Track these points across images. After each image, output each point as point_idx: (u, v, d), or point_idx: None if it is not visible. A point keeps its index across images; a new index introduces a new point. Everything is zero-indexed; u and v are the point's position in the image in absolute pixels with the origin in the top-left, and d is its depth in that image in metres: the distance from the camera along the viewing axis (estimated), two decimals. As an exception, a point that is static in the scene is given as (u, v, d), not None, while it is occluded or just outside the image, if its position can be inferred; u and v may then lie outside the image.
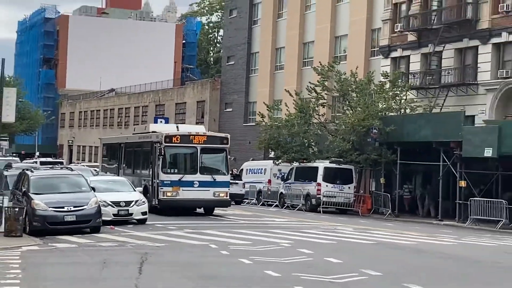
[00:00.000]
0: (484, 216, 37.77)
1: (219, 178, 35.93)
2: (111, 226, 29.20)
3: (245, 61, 78.71)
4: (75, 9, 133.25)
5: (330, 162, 47.26)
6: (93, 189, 29.26)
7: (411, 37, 52.57)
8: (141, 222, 31.04)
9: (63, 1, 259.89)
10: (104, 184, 33.15)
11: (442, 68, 49.87)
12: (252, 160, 61.00)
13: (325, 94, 51.55)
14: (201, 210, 35.89)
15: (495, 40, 46.25)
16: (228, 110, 79.78)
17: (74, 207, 26.91)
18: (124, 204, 31.00)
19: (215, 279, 15.85)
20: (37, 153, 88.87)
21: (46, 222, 26.42)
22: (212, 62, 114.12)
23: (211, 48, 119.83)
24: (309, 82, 53.88)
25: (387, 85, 48.57)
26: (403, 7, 54.44)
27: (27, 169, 32.06)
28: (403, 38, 53.56)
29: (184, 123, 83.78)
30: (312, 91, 51.62)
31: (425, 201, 45.52)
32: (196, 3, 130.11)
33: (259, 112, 60.30)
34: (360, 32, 60.20)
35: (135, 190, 33.47)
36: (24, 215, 26.01)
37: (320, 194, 45.62)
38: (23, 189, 28.52)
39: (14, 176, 31.99)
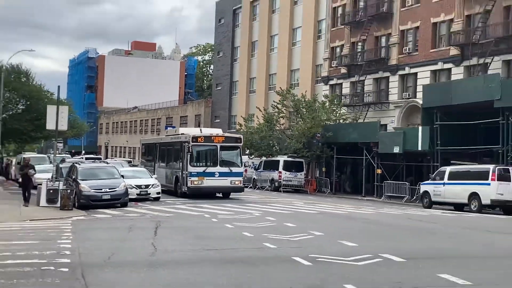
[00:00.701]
0: (394, 193, 38.00)
1: (234, 169, 33.79)
2: (135, 202, 29.17)
3: (228, 87, 78.58)
4: (109, 51, 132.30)
5: (287, 157, 47.24)
6: (122, 176, 29.20)
7: (343, 70, 52.72)
8: (156, 199, 31.02)
9: (101, 44, 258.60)
10: (130, 173, 33.40)
11: (365, 91, 49.99)
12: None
13: (284, 110, 51.58)
14: (219, 195, 34.79)
15: (400, 72, 46.52)
16: (217, 121, 79.46)
17: (109, 189, 27.12)
18: (144, 186, 31.13)
19: (208, 238, 15.85)
20: (83, 152, 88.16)
21: (89, 200, 26.59)
22: (205, 88, 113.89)
23: (205, 78, 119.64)
24: (273, 101, 53.76)
25: (327, 104, 48.74)
26: (338, 49, 54.60)
27: (76, 163, 33.06)
28: (337, 71, 53.74)
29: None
30: (275, 107, 51.62)
31: (350, 182, 46.43)
32: (194, 47, 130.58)
33: (238, 123, 60.54)
34: (308, 67, 60.22)
35: (151, 177, 33.35)
36: (74, 195, 26.04)
37: (281, 179, 45.61)
38: (73, 177, 28.59)
39: (67, 168, 32.47)
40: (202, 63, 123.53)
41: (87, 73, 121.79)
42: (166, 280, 10.19)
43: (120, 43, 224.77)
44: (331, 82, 54.59)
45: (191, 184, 32.48)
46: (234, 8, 78.57)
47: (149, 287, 9.71)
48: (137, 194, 30.29)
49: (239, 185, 34.12)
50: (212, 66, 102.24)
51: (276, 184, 46.01)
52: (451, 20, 42.43)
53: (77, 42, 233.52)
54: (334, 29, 55.49)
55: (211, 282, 9.90)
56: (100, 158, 61.00)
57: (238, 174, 34.26)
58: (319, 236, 16.23)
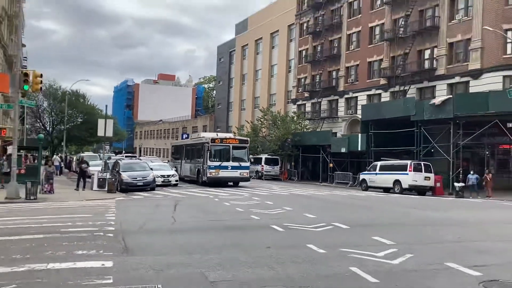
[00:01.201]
0: (341, 180, 37.97)
1: (243, 164, 31.52)
2: (161, 187, 28.93)
3: (226, 106, 78.43)
4: (142, 80, 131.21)
5: (268, 155, 47.07)
6: (151, 169, 28.82)
7: (306, 94, 52.77)
8: (175, 185, 30.57)
9: (136, 75, 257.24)
10: (157, 167, 32.26)
11: (321, 109, 50.03)
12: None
13: (265, 122, 51.59)
14: (231, 183, 32.44)
15: (346, 96, 46.60)
16: (218, 129, 79.20)
17: (142, 178, 26.77)
18: (167, 176, 30.73)
19: (211, 213, 15.79)
20: (123, 152, 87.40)
21: (128, 185, 26.15)
22: (210, 107, 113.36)
23: (209, 100, 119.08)
24: (258, 116, 53.87)
25: (295, 118, 48.72)
26: (302, 80, 54.66)
27: (119, 159, 32.02)
28: (302, 95, 53.78)
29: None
30: (259, 120, 51.60)
31: (311, 173, 46.02)
32: (202, 78, 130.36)
33: (233, 132, 60.29)
34: (282, 92, 60.34)
35: (172, 170, 32.96)
36: (117, 182, 25.82)
37: (263, 170, 45.52)
38: (117, 169, 28.03)
39: (111, 163, 31.60)
40: (207, 89, 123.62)
41: (126, 96, 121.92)
42: (182, 241, 10.18)
43: (150, 75, 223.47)
44: (298, 103, 54.65)
45: (210, 174, 30.73)
46: (230, 50, 78.79)
47: (170, 246, 9.69)
48: (162, 181, 29.85)
49: (246, 176, 31.94)
50: (214, 91, 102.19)
51: (260, 174, 45.73)
52: (381, 60, 42.67)
53: (119, 74, 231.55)
54: (300, 65, 55.60)
55: (213, 242, 9.91)
56: (135, 156, 60.56)
57: (246, 168, 31.96)
58: (289, 210, 16.21)
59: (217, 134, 35.49)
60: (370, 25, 44.67)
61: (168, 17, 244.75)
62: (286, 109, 56.46)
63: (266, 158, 46.81)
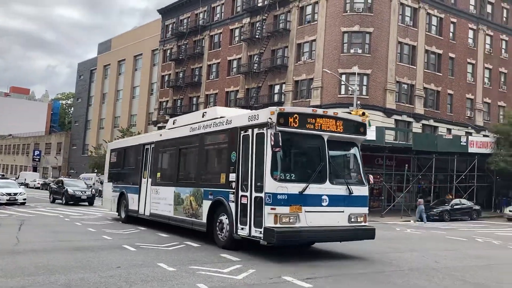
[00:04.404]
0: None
1: (356, 190, 10.25)
2: (4, 206, 25.87)
3: (84, 124, 74.38)
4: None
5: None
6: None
7: (167, 117, 52.53)
8: (23, 204, 27.38)
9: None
10: (2, 184, 28.50)
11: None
12: (85, 173, 57.26)
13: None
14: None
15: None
16: (74, 147, 74.54)
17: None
18: (13, 194, 27.31)
19: (61, 232, 14.64)
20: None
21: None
22: (67, 123, 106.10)
23: (66, 116, 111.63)
24: (117, 136, 51.96)
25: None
26: (164, 103, 54.42)
27: None
28: (164, 117, 53.34)
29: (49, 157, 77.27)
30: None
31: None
32: (60, 94, 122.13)
33: (90, 150, 57.15)
34: (143, 113, 59.23)
35: (19, 187, 29.61)
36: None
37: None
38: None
39: None
40: (65, 106, 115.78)
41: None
42: (25, 263, 9.23)
43: (2, 87, 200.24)
44: (159, 125, 54.02)
45: (276, 221, 9.36)
46: (91, 68, 75.43)
47: (10, 268, 8.73)
48: (7, 200, 26.54)
49: (365, 224, 10.49)
50: (72, 108, 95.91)
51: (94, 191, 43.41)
52: (237, 91, 44.50)
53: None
54: (162, 89, 55.30)
55: (61, 263, 9.18)
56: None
57: (362, 201, 10.49)
58: (143, 230, 15.65)
59: (279, 108, 10.42)
60: (228, 58, 46.43)
61: (30, 30, 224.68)
62: (147, 131, 55.33)
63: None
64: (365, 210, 10.49)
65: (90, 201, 29.21)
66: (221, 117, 11.87)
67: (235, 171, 10.55)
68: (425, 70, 39.19)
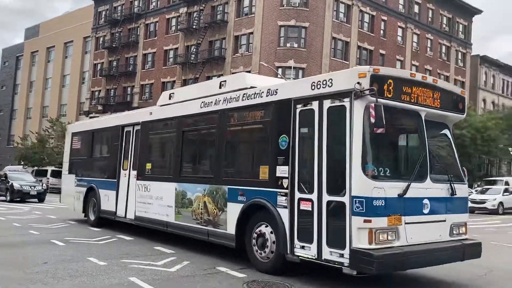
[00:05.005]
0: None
1: (458, 189, 7.03)
2: None
3: (9, 113, 70.25)
4: None
5: (55, 167, 43.26)
6: None
7: (100, 107, 50.74)
8: None
9: None
10: None
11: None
12: (11, 165, 54.05)
13: (53, 133, 47.53)
14: None
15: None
16: (-2, 138, 70.45)
17: None
18: None
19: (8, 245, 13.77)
20: None
21: None
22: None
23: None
24: (45, 126, 49.40)
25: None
26: (96, 93, 52.56)
27: None
28: (96, 108, 51.53)
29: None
30: (46, 131, 47.37)
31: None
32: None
33: (16, 141, 54.03)
34: (74, 103, 56.93)
35: None
36: None
37: (49, 184, 41.41)
38: None
39: None
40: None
41: None
42: None
43: None
44: (91, 115, 51.99)
45: (371, 240, 6.00)
46: (17, 55, 71.10)
47: None
48: None
49: (467, 237, 7.25)
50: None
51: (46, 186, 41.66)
52: (174, 81, 43.81)
53: None
54: (94, 78, 53.33)
55: (-19, 262, 8.63)
56: None
57: (463, 204, 7.24)
58: (74, 224, 15.04)
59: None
60: (165, 48, 45.58)
61: None
62: (78, 121, 53.20)
63: (52, 171, 42.98)
64: (466, 217, 7.40)
65: (41, 197, 25.66)
66: (251, 87, 8.56)
67: (287, 162, 7.21)
68: (357, 65, 40.68)
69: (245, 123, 8.56)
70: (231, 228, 8.39)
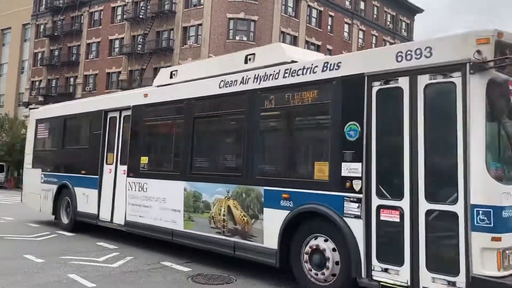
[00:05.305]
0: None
1: None
2: None
3: None
4: None
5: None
6: None
7: (40, 98, 48.46)
8: None
9: None
10: None
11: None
12: None
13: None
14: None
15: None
16: None
17: None
18: None
19: None
20: None
21: None
22: None
23: None
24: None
25: (27, 122, 43.97)
26: (37, 83, 50.16)
27: None
28: (36, 99, 49.17)
29: None
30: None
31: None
32: None
33: None
34: (12, 93, 53.98)
35: None
36: None
37: None
38: None
39: None
40: None
41: None
42: None
43: None
44: (31, 106, 49.60)
45: (500, 264, 4.55)
46: None
47: None
48: None
49: None
50: None
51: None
52: (120, 72, 42.61)
53: None
54: (34, 68, 50.86)
55: None
56: None
57: None
58: (11, 220, 14.34)
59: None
60: (110, 37, 44.20)
61: None
62: (17, 113, 50.48)
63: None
64: None
65: None
66: (292, 62, 6.87)
67: (360, 158, 5.63)
68: (305, 59, 41.18)
69: (288, 107, 6.67)
70: (269, 241, 6.61)
